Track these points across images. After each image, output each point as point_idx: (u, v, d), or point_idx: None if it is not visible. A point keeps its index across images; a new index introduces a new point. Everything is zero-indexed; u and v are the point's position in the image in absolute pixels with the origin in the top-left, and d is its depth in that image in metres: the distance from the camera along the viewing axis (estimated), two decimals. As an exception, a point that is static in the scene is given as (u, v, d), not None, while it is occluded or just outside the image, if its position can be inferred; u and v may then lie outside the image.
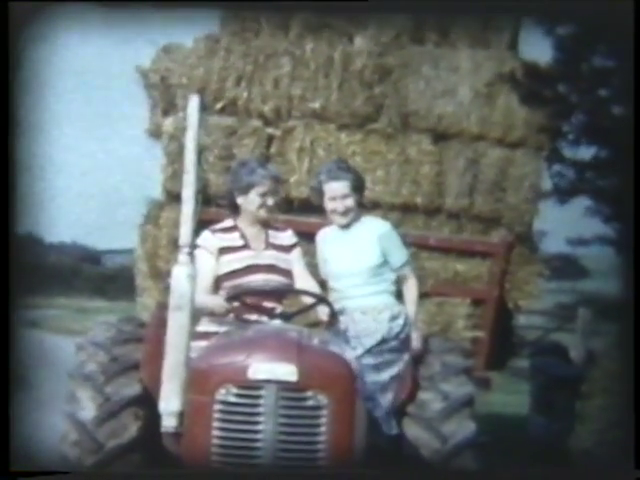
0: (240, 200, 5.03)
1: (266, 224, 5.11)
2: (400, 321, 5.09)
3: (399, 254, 5.20)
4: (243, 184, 4.99)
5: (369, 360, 4.95)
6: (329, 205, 5.16)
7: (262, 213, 5.02)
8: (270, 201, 5.01)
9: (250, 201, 5.00)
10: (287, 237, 5.18)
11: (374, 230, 5.18)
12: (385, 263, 5.15)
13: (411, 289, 5.26)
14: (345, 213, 5.14)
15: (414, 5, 7.53)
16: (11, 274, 5.10)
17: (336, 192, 5.12)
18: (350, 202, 5.13)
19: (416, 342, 5.14)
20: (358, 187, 5.19)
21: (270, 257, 5.03)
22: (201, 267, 4.51)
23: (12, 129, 5.23)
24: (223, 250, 4.97)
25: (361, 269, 5.11)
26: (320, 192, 5.19)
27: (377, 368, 4.97)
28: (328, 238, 5.28)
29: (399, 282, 5.22)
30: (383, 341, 5.02)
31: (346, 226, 5.19)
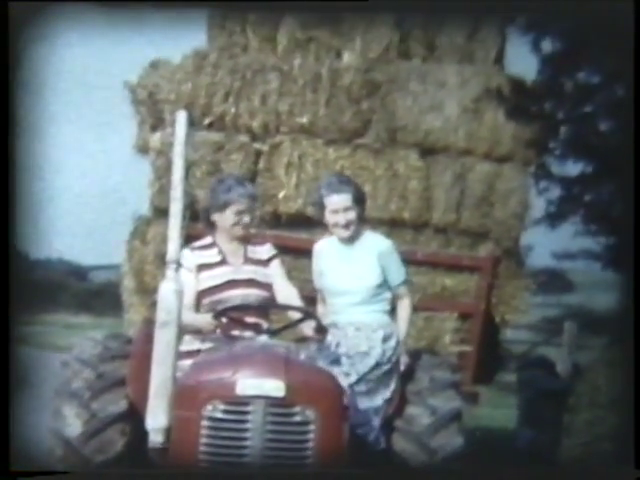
0: (216, 217, 5.04)
1: (244, 239, 5.11)
2: (392, 343, 5.08)
3: (397, 272, 5.18)
4: (220, 202, 5.00)
5: (361, 387, 4.95)
6: (331, 218, 5.12)
7: (237, 230, 5.02)
8: (246, 219, 5.00)
9: (225, 218, 5.01)
10: (265, 251, 5.17)
11: (374, 247, 5.14)
12: (384, 282, 5.14)
13: (405, 308, 5.23)
14: (347, 226, 5.10)
15: (401, 18, 7.58)
16: (11, 284, 5.10)
17: (338, 205, 5.08)
18: (352, 215, 5.10)
19: (403, 366, 5.14)
20: (360, 200, 5.17)
21: (249, 272, 5.03)
22: (183, 285, 4.51)
23: (12, 129, 5.22)
24: (202, 267, 4.97)
25: (360, 288, 5.09)
26: (321, 206, 5.15)
27: (368, 393, 4.96)
28: (327, 251, 5.24)
29: (394, 300, 5.22)
30: (376, 366, 5.01)
31: (348, 240, 5.16)
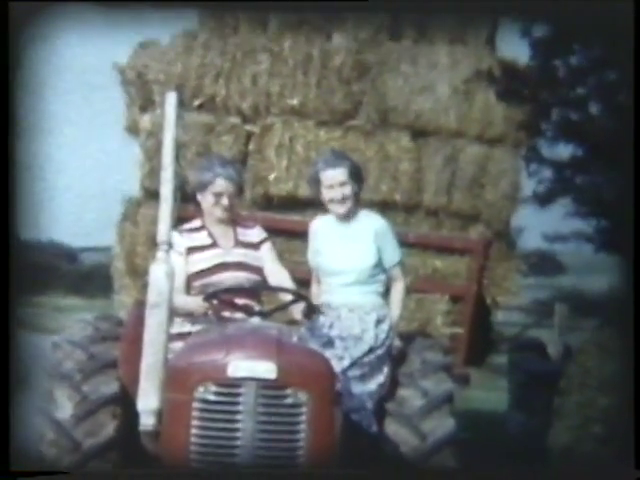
0: (199, 197, 5.02)
1: (234, 222, 5.08)
2: (385, 326, 5.06)
3: (392, 253, 5.15)
4: (199, 181, 4.99)
5: (355, 372, 4.93)
6: (327, 194, 5.09)
7: (217, 212, 4.97)
8: (224, 201, 4.95)
9: (205, 199, 4.98)
10: (255, 234, 5.14)
11: (371, 227, 5.11)
12: (379, 263, 5.11)
13: (398, 291, 5.21)
14: (343, 201, 5.06)
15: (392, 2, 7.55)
16: (11, 275, 5.08)
17: (334, 180, 5.05)
18: (348, 190, 5.06)
19: (394, 350, 5.12)
20: (355, 175, 5.13)
21: (239, 255, 5.00)
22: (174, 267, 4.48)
23: (12, 129, 5.20)
24: (191, 250, 4.94)
25: (355, 268, 5.06)
26: (317, 182, 5.12)
27: (362, 378, 4.95)
28: (323, 230, 5.21)
29: (387, 281, 5.19)
30: (370, 350, 5.00)
31: (344, 218, 5.13)
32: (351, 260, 5.07)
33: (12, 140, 5.19)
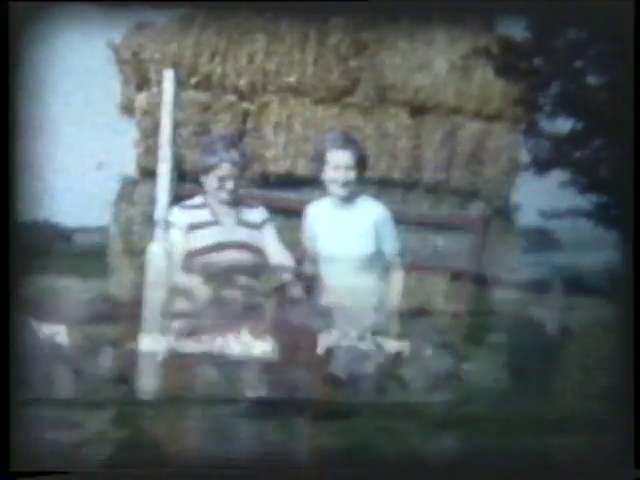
0: (202, 179, 4.98)
1: (236, 201, 5.04)
2: (385, 309, 5.05)
3: (393, 243, 5.11)
4: (204, 165, 4.94)
5: (354, 352, 4.92)
6: (330, 174, 5.00)
7: (222, 195, 4.94)
8: (229, 185, 4.91)
9: (209, 182, 4.94)
10: (258, 214, 5.10)
11: (371, 215, 5.05)
12: (379, 251, 5.09)
13: (396, 281, 5.18)
14: (345, 185, 4.98)
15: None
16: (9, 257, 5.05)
17: (340, 161, 4.96)
18: (352, 174, 4.99)
19: (394, 337, 5.09)
20: (362, 162, 5.05)
21: (241, 234, 4.96)
22: (172, 245, 4.45)
23: (12, 129, 5.17)
24: (193, 226, 4.90)
25: (355, 257, 5.02)
26: (322, 160, 5.03)
27: (361, 358, 4.93)
28: (320, 214, 5.14)
29: (386, 270, 5.16)
30: (369, 332, 4.98)
31: (343, 202, 5.07)
32: (351, 248, 5.02)
33: (12, 140, 5.16)
